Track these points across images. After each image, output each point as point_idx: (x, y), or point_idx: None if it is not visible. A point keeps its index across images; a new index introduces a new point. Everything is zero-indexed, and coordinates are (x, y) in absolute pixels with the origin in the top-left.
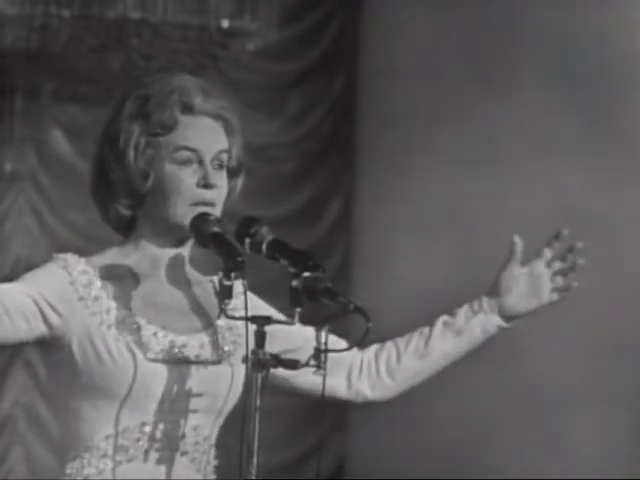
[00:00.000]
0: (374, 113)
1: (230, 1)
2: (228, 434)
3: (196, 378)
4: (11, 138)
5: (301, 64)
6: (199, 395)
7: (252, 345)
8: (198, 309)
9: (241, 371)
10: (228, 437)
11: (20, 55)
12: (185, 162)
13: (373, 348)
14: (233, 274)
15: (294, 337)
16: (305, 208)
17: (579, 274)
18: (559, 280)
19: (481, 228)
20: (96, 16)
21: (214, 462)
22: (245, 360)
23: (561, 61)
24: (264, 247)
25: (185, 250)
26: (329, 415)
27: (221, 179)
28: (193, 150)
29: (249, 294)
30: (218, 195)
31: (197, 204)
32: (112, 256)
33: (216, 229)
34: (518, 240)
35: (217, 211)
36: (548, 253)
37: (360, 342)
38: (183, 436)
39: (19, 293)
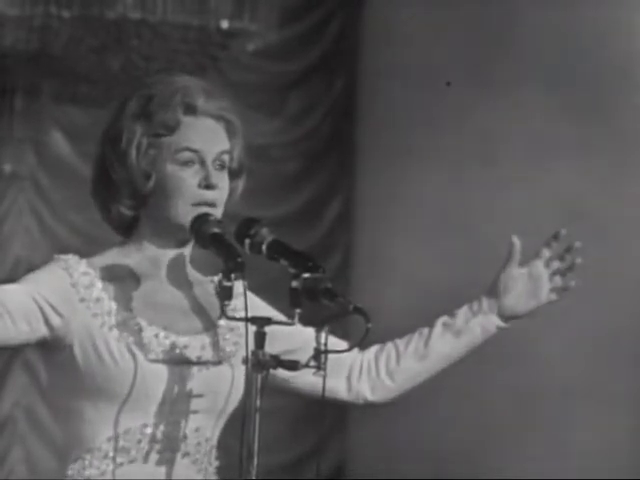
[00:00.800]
0: (374, 113)
1: (230, 1)
2: (228, 435)
3: (197, 379)
4: (11, 138)
5: (301, 64)
6: (200, 396)
7: (252, 346)
8: (199, 310)
9: (242, 372)
10: (228, 438)
11: (20, 56)
12: (187, 163)
13: (373, 349)
14: (233, 275)
15: (294, 338)
16: (305, 208)
17: (578, 274)
18: (558, 280)
19: (481, 228)
20: (96, 17)
21: (215, 463)
22: (245, 361)
23: (561, 61)
24: (264, 248)
25: (186, 251)
26: (329, 415)
27: (222, 180)
28: (195, 151)
29: (249, 294)
30: (219, 196)
31: (199, 204)
32: (113, 257)
33: (216, 230)
34: (516, 241)
35: (218, 212)
36: (547, 253)
37: (360, 343)
38: (184, 437)
39: (21, 294)
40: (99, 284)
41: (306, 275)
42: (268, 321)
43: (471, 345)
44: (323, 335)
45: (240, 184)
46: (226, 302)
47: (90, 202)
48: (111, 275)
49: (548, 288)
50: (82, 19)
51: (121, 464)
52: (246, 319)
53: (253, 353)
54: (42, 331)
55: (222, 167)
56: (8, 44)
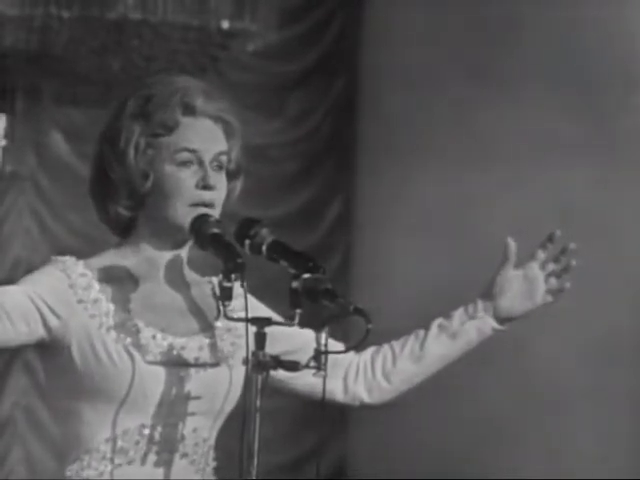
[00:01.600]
0: (374, 113)
1: (230, 2)
2: (228, 435)
3: (195, 381)
4: (11, 139)
5: (301, 65)
6: (198, 398)
7: (252, 347)
8: (197, 311)
9: (240, 373)
10: (228, 438)
11: (20, 56)
12: (185, 163)
13: (369, 351)
14: (233, 275)
15: (294, 339)
16: (305, 209)
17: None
18: (553, 282)
19: (481, 228)
20: (96, 17)
21: (213, 464)
22: (245, 362)
23: (561, 61)
24: (264, 248)
25: (183, 252)
26: (329, 416)
27: (220, 181)
28: (193, 151)
29: (248, 296)
30: (217, 196)
31: (196, 205)
32: (110, 258)
33: (216, 230)
34: (511, 242)
35: (216, 212)
36: (542, 255)
37: (360, 343)
38: (182, 438)
39: (19, 296)
40: (97, 285)
41: (306, 276)
42: (268, 322)
43: (467, 347)
44: (323, 336)
45: (238, 185)
46: (226, 303)
47: (90, 203)
48: (109, 276)
49: (543, 290)
50: (82, 19)
51: (119, 465)
52: (246, 320)
53: (253, 354)
54: (40, 332)
55: (220, 168)
56: (8, 44)
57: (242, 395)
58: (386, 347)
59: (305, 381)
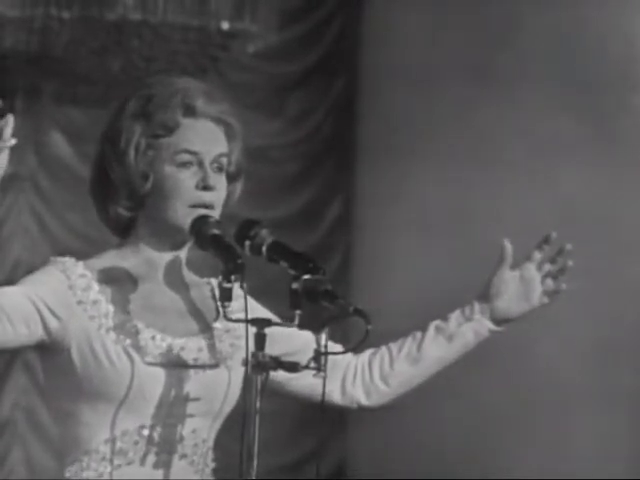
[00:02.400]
0: (374, 113)
1: (230, 3)
2: (227, 436)
3: (194, 382)
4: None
5: (301, 65)
6: (197, 399)
7: (252, 347)
8: (196, 312)
9: (239, 374)
10: (228, 439)
11: (20, 57)
12: (185, 164)
13: (367, 354)
14: (233, 277)
15: (294, 340)
16: (305, 209)
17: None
18: (549, 283)
19: (481, 229)
20: (96, 18)
21: (212, 464)
22: (245, 363)
23: (561, 61)
24: (264, 249)
25: (182, 253)
26: (329, 417)
27: (220, 182)
28: (193, 152)
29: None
30: (217, 197)
31: (196, 206)
32: (110, 259)
33: (216, 231)
34: (507, 244)
35: (216, 214)
36: (538, 256)
37: (360, 344)
38: (181, 439)
39: (19, 297)
40: (96, 286)
41: (306, 277)
42: (268, 323)
43: (464, 349)
44: (323, 337)
45: (238, 187)
46: (226, 304)
47: (90, 203)
48: (108, 277)
49: (540, 291)
50: (82, 20)
51: (119, 466)
52: (246, 321)
53: (253, 355)
54: (40, 334)
55: (220, 169)
56: (8, 45)
57: (241, 396)
58: (383, 349)
59: (304, 383)
